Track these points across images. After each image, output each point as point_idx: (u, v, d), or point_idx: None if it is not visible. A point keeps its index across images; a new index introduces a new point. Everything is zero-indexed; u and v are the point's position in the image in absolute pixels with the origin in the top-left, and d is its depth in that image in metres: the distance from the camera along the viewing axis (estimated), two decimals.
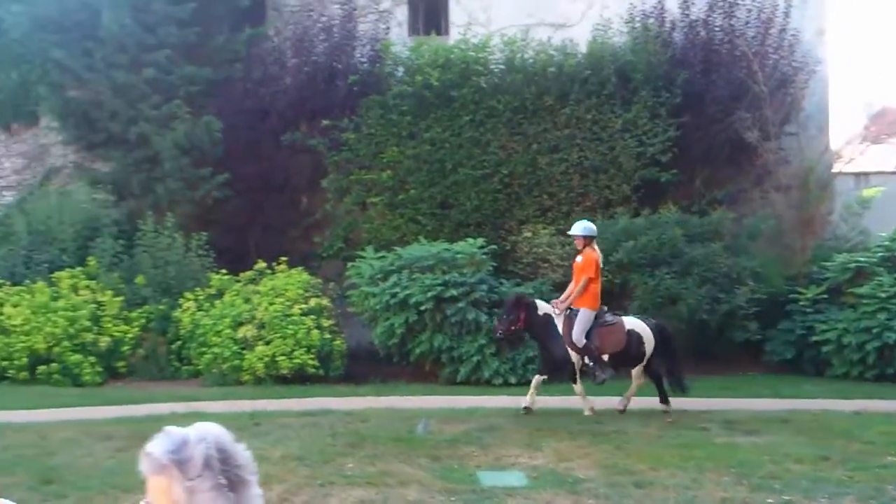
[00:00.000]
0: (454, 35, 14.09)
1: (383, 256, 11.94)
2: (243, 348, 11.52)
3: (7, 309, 11.92)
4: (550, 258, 11.89)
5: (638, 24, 13.44)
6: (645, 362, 9.11)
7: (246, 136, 13.31)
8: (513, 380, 10.99)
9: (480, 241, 11.90)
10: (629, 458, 7.24)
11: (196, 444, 1.70)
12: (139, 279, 12.59)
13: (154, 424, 6.66)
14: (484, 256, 11.77)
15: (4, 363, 11.69)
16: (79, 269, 12.61)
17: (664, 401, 9.25)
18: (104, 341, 11.92)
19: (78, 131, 14.16)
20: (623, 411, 9.11)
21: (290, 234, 13.65)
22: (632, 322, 9.24)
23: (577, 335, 8.88)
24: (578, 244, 9.12)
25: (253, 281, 12.37)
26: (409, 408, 9.57)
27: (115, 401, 10.38)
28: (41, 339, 11.63)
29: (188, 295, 12.25)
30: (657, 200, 12.80)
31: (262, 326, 11.56)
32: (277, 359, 11.30)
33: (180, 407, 9.49)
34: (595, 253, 9.07)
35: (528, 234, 12.48)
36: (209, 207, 13.45)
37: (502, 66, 13.39)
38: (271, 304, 11.73)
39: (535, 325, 9.18)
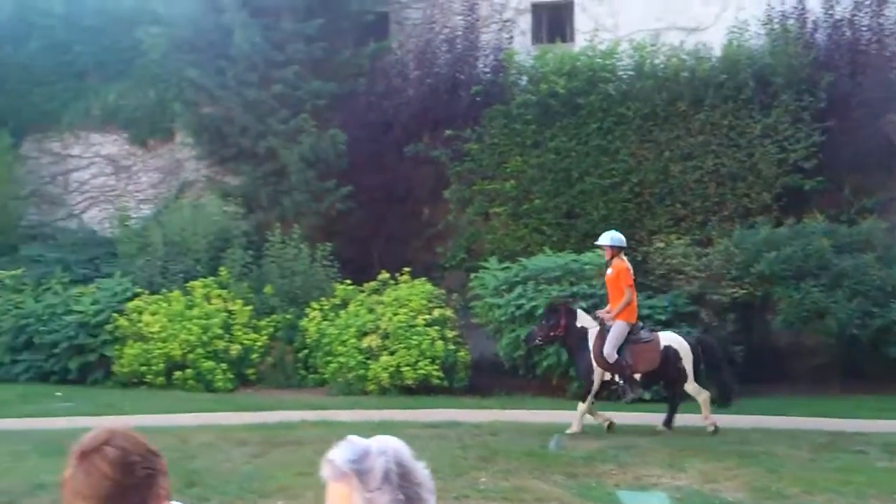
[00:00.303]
0: (580, 42, 13.93)
1: (508, 267, 11.84)
2: (368, 358, 11.66)
3: (146, 317, 12.44)
4: (685, 270, 11.46)
5: (777, 26, 12.88)
6: (692, 377, 8.78)
7: (369, 148, 13.53)
8: (646, 396, 10.60)
9: None
10: (781, 481, 6.83)
11: (377, 456, 1.69)
12: (267, 289, 12.95)
13: (286, 432, 6.73)
14: None
15: (143, 368, 12.22)
16: (211, 278, 13.06)
17: (668, 423, 8.98)
18: (235, 349, 12.31)
19: (211, 146, 14.80)
20: (715, 430, 8.70)
21: (412, 245, 13.77)
22: (668, 338, 9.00)
23: (609, 350, 8.65)
24: (606, 255, 9.04)
25: (376, 291, 12.53)
26: (537, 422, 9.40)
27: (247, 407, 10.67)
28: (177, 345, 12.09)
29: (314, 304, 12.51)
30: (801, 209, 12.20)
31: (386, 336, 11.68)
32: (402, 369, 11.38)
33: (310, 415, 9.68)
34: (624, 263, 8.93)
35: (661, 245, 12.10)
36: (333, 219, 13.73)
37: (631, 73, 13.11)
38: (395, 314, 11.84)
39: (571, 334, 9.10)
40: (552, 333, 9.17)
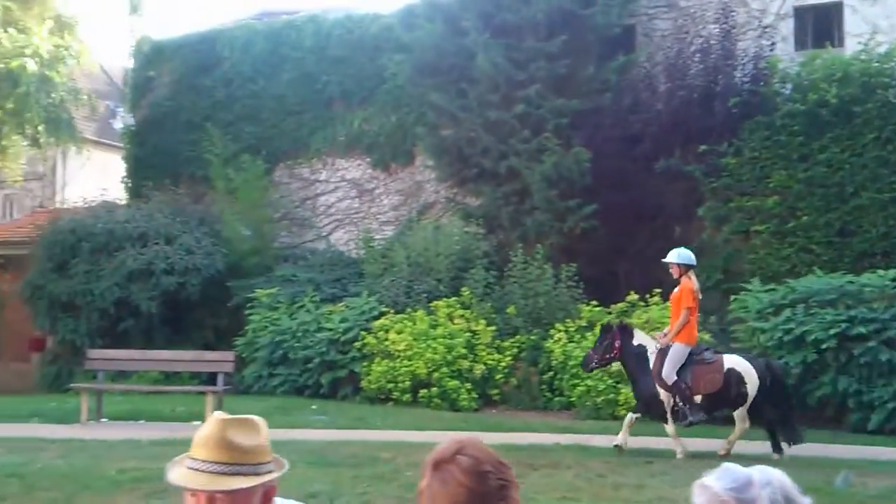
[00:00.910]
0: (850, 46, 13.21)
1: (773, 289, 11.39)
2: (618, 382, 11.59)
3: (392, 335, 13.15)
4: None
5: None
6: (748, 404, 8.64)
7: (614, 164, 13.53)
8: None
9: (893, 272, 10.88)
10: None
11: (761, 487, 1.68)
12: (510, 309, 13.27)
13: (540, 454, 6.89)
14: None
15: (390, 385, 12.93)
16: (454, 298, 13.58)
17: (776, 449, 8.69)
18: (479, 369, 12.72)
19: (451, 168, 15.46)
20: (725, 456, 8.32)
21: (662, 265, 13.54)
22: (733, 360, 8.85)
23: (668, 372, 8.63)
24: (674, 272, 8.96)
25: (625, 313, 12.45)
26: (816, 455, 8.91)
27: (493, 427, 10.93)
28: (422, 364, 12.66)
29: (558, 326, 12.67)
30: None
31: None
32: None
33: (561, 438, 9.79)
34: (691, 282, 8.81)
35: None
36: (577, 238, 13.83)
37: None
38: None
39: (629, 355, 9.08)
40: (608, 356, 9.28)
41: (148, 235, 15.81)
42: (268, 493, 2.05)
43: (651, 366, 8.87)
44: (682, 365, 8.71)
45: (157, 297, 15.27)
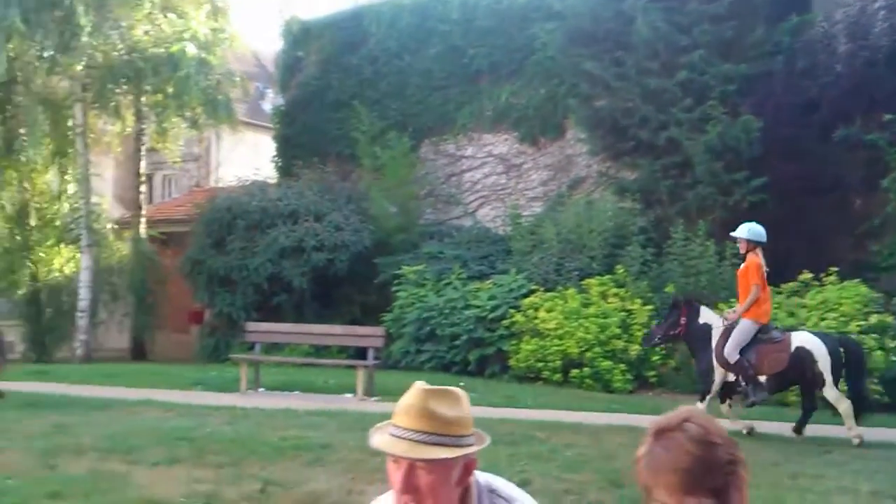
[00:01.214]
0: None
1: None
2: None
3: (542, 313, 12.98)
4: None
5: None
6: (830, 383, 8.17)
7: (786, 133, 12.69)
8: None
9: None
10: None
11: None
12: (669, 288, 12.75)
13: None
14: None
15: (539, 364, 12.76)
16: (607, 276, 13.25)
17: (798, 429, 8.53)
18: (634, 349, 12.32)
19: (605, 141, 15.01)
20: (860, 443, 8.07)
21: (837, 242, 12.66)
22: (802, 338, 8.43)
23: (731, 349, 8.36)
24: (742, 248, 8.68)
25: (797, 293, 11.74)
26: None
27: (651, 410, 10.45)
28: (573, 343, 12.44)
29: (722, 305, 12.01)
30: None
31: None
32: None
33: (726, 423, 9.25)
34: (757, 258, 8.48)
35: None
36: (743, 212, 13.08)
37: None
38: (822, 319, 10.98)
39: (693, 333, 8.90)
40: (671, 332, 9.12)
41: (298, 213, 16.26)
42: (468, 465, 2.05)
43: (714, 344, 8.61)
44: (748, 344, 8.41)
45: (308, 272, 15.71)
